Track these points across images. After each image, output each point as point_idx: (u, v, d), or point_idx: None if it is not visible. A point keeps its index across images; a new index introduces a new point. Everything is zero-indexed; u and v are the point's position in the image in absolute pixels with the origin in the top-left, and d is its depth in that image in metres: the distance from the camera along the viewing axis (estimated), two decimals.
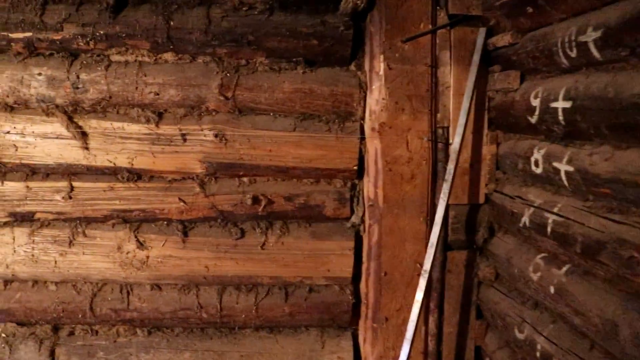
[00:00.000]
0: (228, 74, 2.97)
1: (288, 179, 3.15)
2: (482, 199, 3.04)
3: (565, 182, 2.21)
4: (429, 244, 2.74)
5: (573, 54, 2.06)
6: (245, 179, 3.11)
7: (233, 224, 3.14)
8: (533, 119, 2.40)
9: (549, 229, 2.30)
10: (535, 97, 2.37)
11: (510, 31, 2.62)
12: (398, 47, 2.89)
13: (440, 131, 2.99)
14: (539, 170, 2.43)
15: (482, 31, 2.87)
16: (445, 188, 2.76)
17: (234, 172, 3.09)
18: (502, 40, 2.67)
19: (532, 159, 2.48)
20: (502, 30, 2.72)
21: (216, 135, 2.97)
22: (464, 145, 2.93)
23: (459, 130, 2.78)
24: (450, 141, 2.85)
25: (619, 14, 1.76)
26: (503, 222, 2.87)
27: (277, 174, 3.12)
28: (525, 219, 2.53)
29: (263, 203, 3.07)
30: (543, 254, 2.44)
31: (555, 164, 2.26)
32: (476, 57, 2.85)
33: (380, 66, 2.88)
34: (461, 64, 2.91)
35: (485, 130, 2.99)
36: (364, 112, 3.05)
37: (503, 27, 2.70)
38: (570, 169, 2.14)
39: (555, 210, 2.28)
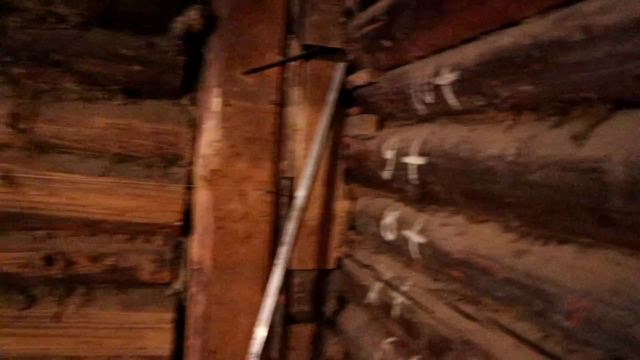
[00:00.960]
0: (24, 101, 2.39)
1: (96, 234, 2.59)
2: (332, 264, 2.67)
3: (416, 255, 1.86)
4: (259, 321, 2.29)
5: (428, 99, 1.74)
6: (39, 233, 2.49)
7: (20, 289, 2.50)
8: (386, 175, 2.07)
9: (395, 312, 1.94)
10: (390, 148, 2.03)
11: (369, 68, 2.29)
12: (239, 80, 2.49)
13: (285, 182, 2.58)
14: (390, 237, 2.09)
15: (340, 66, 2.55)
16: (283, 251, 2.34)
17: (26, 225, 2.47)
18: (360, 78, 2.35)
19: (384, 223, 2.14)
20: (363, 67, 2.39)
21: (3, 178, 2.36)
22: (312, 201, 2.55)
23: (306, 182, 2.40)
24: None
25: (476, 55, 1.45)
26: (353, 294, 2.49)
27: (81, 227, 2.55)
28: (372, 295, 2.17)
29: (60, 264, 2.46)
30: (393, 338, 2.06)
31: (406, 232, 1.92)
32: (332, 97, 2.51)
33: (216, 101, 2.43)
34: (315, 104, 2.56)
35: (340, 183, 2.62)
36: (194, 156, 2.58)
37: (363, 63, 2.37)
38: (422, 240, 1.80)
39: (405, 288, 1.93)
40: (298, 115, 2.63)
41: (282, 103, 2.62)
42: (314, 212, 2.66)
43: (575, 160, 1.13)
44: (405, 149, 1.94)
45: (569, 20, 1.16)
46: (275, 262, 2.41)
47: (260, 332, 2.31)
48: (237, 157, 2.56)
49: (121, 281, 2.66)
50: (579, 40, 1.11)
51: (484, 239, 1.52)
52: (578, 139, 1.13)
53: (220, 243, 2.57)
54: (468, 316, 1.58)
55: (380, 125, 2.38)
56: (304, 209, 2.46)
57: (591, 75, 1.11)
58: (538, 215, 1.30)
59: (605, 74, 1.07)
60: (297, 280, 2.70)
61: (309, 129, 2.60)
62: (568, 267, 1.20)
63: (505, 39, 1.39)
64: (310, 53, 2.61)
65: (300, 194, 2.45)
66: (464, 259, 1.58)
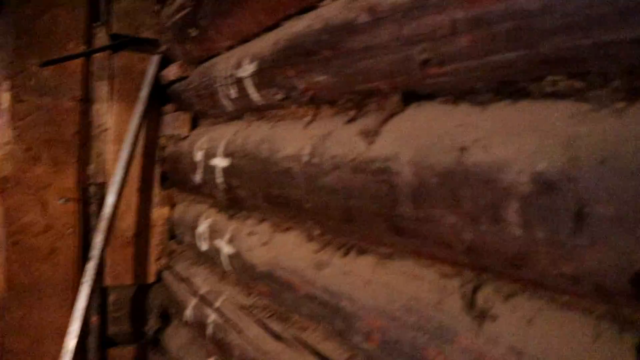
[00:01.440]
0: None
1: None
2: (152, 278, 2.37)
3: (228, 267, 1.64)
4: (65, 349, 1.93)
5: (233, 94, 1.51)
6: None
7: None
8: (197, 179, 1.81)
9: (209, 331, 1.69)
10: (199, 149, 1.78)
11: (180, 61, 2.02)
12: (34, 72, 2.11)
13: (94, 189, 2.23)
14: (205, 247, 1.84)
15: (154, 59, 2.26)
16: (91, 267, 2.01)
17: None
18: (172, 72, 2.08)
19: (198, 231, 1.88)
20: (176, 59, 2.12)
21: None
22: (126, 209, 2.25)
23: (115, 187, 2.08)
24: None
25: (272, 43, 1.26)
26: (174, 311, 2.22)
27: None
28: (189, 312, 1.90)
29: None
30: (213, 358, 1.81)
31: (218, 242, 1.68)
32: (145, 92, 2.21)
33: (5, 97, 2.03)
34: (126, 100, 2.24)
35: (157, 189, 2.32)
36: None
37: (176, 55, 2.10)
38: (231, 251, 1.57)
39: (218, 304, 1.70)
40: (106, 113, 2.30)
41: (87, 99, 2.28)
42: (130, 222, 2.34)
43: (365, 160, 0.96)
44: (213, 150, 1.71)
45: (358, 0, 0.99)
46: (82, 279, 2.07)
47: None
48: (34, 162, 2.18)
49: None
50: (365, 22, 0.95)
51: (287, 250, 1.33)
52: (368, 135, 0.96)
53: (17, 262, 2.18)
54: (276, 335, 1.39)
55: (195, 124, 2.13)
56: (115, 218, 2.14)
57: (379, 62, 0.95)
58: (336, 223, 1.13)
59: (392, 60, 0.92)
60: (112, 298, 2.37)
61: (119, 129, 2.28)
62: (365, 282, 1.04)
63: (300, 25, 1.21)
64: (119, 43, 2.29)
65: (110, 201, 2.14)
66: (268, 272, 1.38)
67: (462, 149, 0.78)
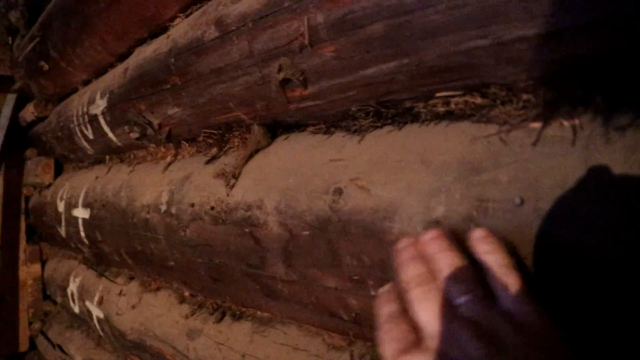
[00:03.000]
0: None
1: None
2: (24, 346, 1.97)
3: (101, 332, 1.33)
4: None
5: (90, 133, 1.23)
6: None
7: None
8: (62, 232, 1.49)
9: None
10: (61, 198, 1.47)
11: (37, 99, 1.70)
12: None
13: None
14: (77, 309, 1.51)
15: (10, 98, 1.91)
16: None
17: None
18: (28, 112, 1.74)
19: (69, 291, 1.56)
20: (33, 98, 1.78)
21: None
22: None
23: None
24: None
25: (121, 72, 1.00)
26: None
27: None
28: None
29: None
30: None
31: (88, 304, 1.37)
32: (0, 136, 1.83)
33: None
34: None
35: (23, 244, 1.95)
36: None
37: (32, 93, 1.77)
38: (101, 314, 1.27)
39: None
40: None
41: None
42: None
43: (226, 209, 0.73)
44: (74, 199, 1.41)
45: (206, 14, 0.77)
46: None
47: None
48: None
49: None
50: (213, 38, 0.72)
51: (157, 314, 1.07)
52: (227, 177, 0.73)
53: None
54: None
55: (59, 170, 1.80)
56: None
57: (233, 86, 0.72)
58: (205, 283, 0.89)
59: (247, 82, 0.70)
60: None
61: None
62: (241, 355, 0.80)
63: (149, 49, 0.97)
64: None
65: None
66: (138, 340, 1.11)
67: (337, 191, 0.57)
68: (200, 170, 0.86)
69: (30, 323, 2.02)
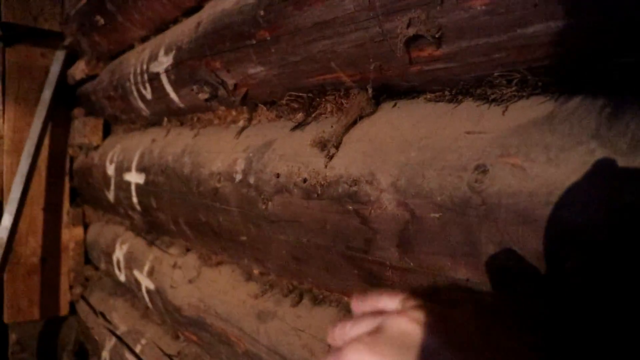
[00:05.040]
0: None
1: None
2: (64, 310, 1.97)
3: (149, 304, 1.29)
4: None
5: (148, 93, 1.17)
6: None
7: None
8: (111, 196, 1.45)
9: None
10: (111, 161, 1.42)
11: (88, 56, 1.65)
12: None
13: None
14: (122, 277, 1.48)
15: (58, 55, 1.87)
16: None
17: None
18: (79, 70, 1.70)
19: (115, 258, 1.53)
20: (84, 55, 1.74)
21: None
22: (30, 230, 1.85)
23: (14, 206, 1.68)
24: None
25: (194, 27, 0.94)
26: (90, 350, 1.84)
27: None
28: (106, 355, 1.53)
29: None
30: None
31: (136, 274, 1.34)
32: (47, 94, 1.82)
33: None
34: (24, 104, 1.84)
35: (66, 206, 1.93)
36: None
37: (83, 50, 1.72)
38: (151, 286, 1.23)
39: (138, 349, 1.36)
40: (0, 118, 1.88)
41: None
42: (34, 245, 1.95)
43: (323, 182, 0.66)
44: (126, 163, 1.36)
45: None
46: None
47: None
48: None
49: None
50: None
51: (220, 290, 1.01)
52: (326, 146, 0.66)
53: None
54: None
55: (107, 131, 1.76)
56: (12, 242, 1.74)
57: (340, 44, 0.64)
58: (283, 263, 0.82)
59: (359, 39, 0.62)
60: (13, 337, 1.96)
61: (17, 137, 1.88)
62: (324, 344, 0.73)
63: (229, 1, 0.88)
64: (11, 35, 1.88)
65: (5, 223, 1.74)
66: (197, 317, 1.06)
67: (480, 169, 0.49)
68: (286, 137, 0.79)
69: (71, 287, 2.01)
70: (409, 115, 0.62)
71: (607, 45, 0.44)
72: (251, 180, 0.82)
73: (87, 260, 2.03)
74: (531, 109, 0.50)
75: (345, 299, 0.77)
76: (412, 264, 0.57)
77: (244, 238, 0.88)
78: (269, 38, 0.77)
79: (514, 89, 0.53)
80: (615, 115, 0.42)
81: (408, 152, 0.57)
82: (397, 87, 0.65)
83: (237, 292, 0.98)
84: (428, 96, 0.63)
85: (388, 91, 0.67)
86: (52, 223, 1.97)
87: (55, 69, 1.90)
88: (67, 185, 1.98)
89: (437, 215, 0.52)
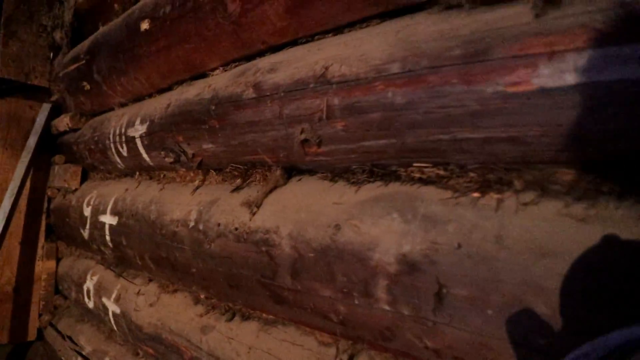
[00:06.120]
0: None
1: None
2: (32, 336, 2.17)
3: (114, 326, 1.54)
4: None
5: (124, 151, 1.46)
6: None
7: None
8: (85, 234, 1.70)
9: None
10: (88, 204, 1.69)
11: (72, 112, 1.93)
12: None
13: None
14: (91, 304, 1.72)
15: (45, 108, 2.14)
16: None
17: None
18: (63, 123, 1.97)
19: (85, 287, 1.77)
20: (68, 110, 2.02)
21: None
22: (5, 262, 2.06)
23: None
24: None
25: (164, 106, 1.24)
26: None
27: None
28: None
29: None
30: None
31: (104, 301, 1.58)
32: (32, 141, 2.08)
33: None
34: (11, 149, 2.09)
35: (42, 241, 2.16)
36: None
37: (68, 106, 2.00)
38: (118, 310, 1.48)
39: None
40: None
41: None
42: (9, 275, 2.16)
43: (248, 231, 0.95)
44: (102, 206, 1.63)
45: (245, 75, 1.00)
46: None
47: None
48: None
49: None
50: (251, 98, 0.96)
51: (174, 312, 1.28)
52: (251, 206, 0.96)
53: None
54: None
55: (85, 177, 2.03)
56: None
57: (263, 137, 0.96)
58: (222, 288, 1.11)
59: (275, 136, 0.93)
60: None
61: (1, 177, 2.12)
62: (248, 348, 1.01)
63: (191, 92, 1.20)
64: (6, 89, 2.15)
65: None
66: (155, 334, 1.32)
67: (337, 227, 0.79)
68: (226, 197, 1.09)
69: (40, 315, 2.22)
70: (304, 188, 0.92)
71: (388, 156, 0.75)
72: (200, 227, 1.11)
73: (57, 291, 2.25)
74: (372, 190, 0.81)
75: (264, 315, 1.05)
76: (299, 286, 0.86)
77: (194, 270, 1.17)
78: (217, 126, 1.07)
79: (365, 176, 0.84)
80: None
81: (299, 213, 0.87)
82: (300, 168, 0.96)
83: (187, 312, 1.25)
84: (319, 175, 0.93)
85: (296, 170, 0.98)
86: (27, 256, 2.19)
87: (41, 120, 2.17)
88: (43, 222, 2.22)
89: (312, 254, 0.82)
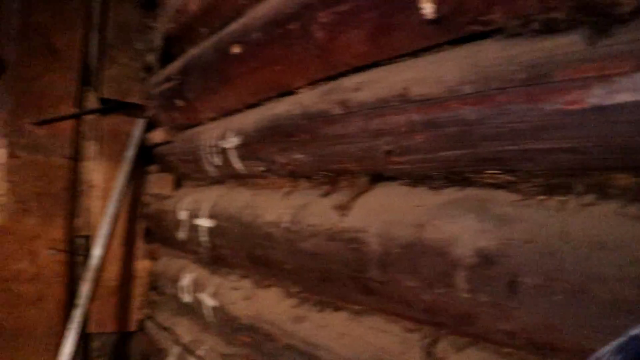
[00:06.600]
0: None
1: None
2: (134, 327, 2.43)
3: (210, 319, 1.73)
4: None
5: (217, 161, 1.65)
6: None
7: None
8: (182, 236, 1.92)
9: None
10: (184, 209, 1.89)
11: (166, 126, 2.15)
12: (28, 130, 2.22)
13: (80, 241, 2.31)
14: (188, 299, 1.93)
15: (140, 123, 2.38)
16: (77, 314, 2.08)
17: None
18: (157, 136, 2.21)
19: (182, 284, 1.97)
20: (161, 124, 2.25)
21: None
22: (111, 260, 2.32)
23: (102, 241, 2.16)
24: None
25: (255, 121, 1.41)
26: (154, 358, 2.26)
27: None
28: (172, 359, 1.96)
29: None
30: None
31: (201, 295, 1.78)
32: (130, 153, 2.31)
33: (1, 153, 2.12)
34: (112, 160, 2.35)
35: (140, 243, 2.41)
36: None
37: (161, 121, 2.23)
38: (215, 303, 1.67)
39: (201, 352, 1.79)
40: (94, 170, 2.40)
41: (76, 158, 2.38)
42: (114, 273, 2.42)
43: (339, 230, 1.10)
44: (197, 211, 1.82)
45: (332, 94, 1.15)
46: (68, 325, 2.12)
47: None
48: (25, 213, 2.26)
49: None
50: (338, 114, 1.10)
51: (268, 304, 1.45)
52: (341, 209, 1.11)
53: (6, 306, 2.22)
54: None
55: (178, 184, 2.25)
56: (100, 269, 2.21)
57: (350, 148, 1.10)
58: (313, 283, 1.26)
59: (361, 147, 1.07)
60: (96, 344, 2.41)
61: (106, 186, 2.38)
62: (339, 334, 1.16)
63: (280, 108, 1.36)
64: (108, 107, 2.41)
65: (96, 253, 2.21)
66: (251, 324, 1.49)
67: (420, 226, 0.92)
68: (317, 201, 1.24)
69: (139, 308, 2.47)
70: (388, 193, 1.06)
71: None
72: (293, 228, 1.26)
73: (152, 288, 2.49)
74: (449, 194, 0.94)
75: (355, 307, 1.19)
76: (386, 279, 1.00)
77: (287, 267, 1.32)
78: (307, 138, 1.23)
79: (442, 182, 0.97)
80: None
81: (386, 214, 1.01)
82: (384, 175, 1.09)
83: (280, 305, 1.41)
84: (401, 182, 1.07)
85: (380, 177, 1.12)
86: (127, 256, 2.44)
87: (136, 134, 2.41)
88: (141, 226, 2.47)
89: (398, 250, 0.96)
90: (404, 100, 0.94)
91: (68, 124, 2.34)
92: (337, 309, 1.23)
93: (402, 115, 0.95)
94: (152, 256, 2.47)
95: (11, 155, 2.22)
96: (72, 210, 2.34)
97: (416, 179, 1.02)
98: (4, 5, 2.26)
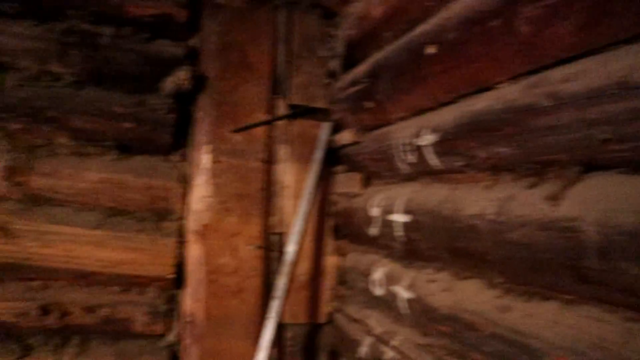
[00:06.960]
0: (20, 155, 2.42)
1: (90, 285, 2.56)
2: (323, 318, 2.65)
3: (405, 310, 1.86)
4: None
5: (411, 159, 1.77)
6: (35, 284, 2.48)
7: (15, 339, 2.47)
8: (373, 232, 2.08)
9: None
10: (376, 206, 2.05)
11: (353, 128, 2.34)
12: (228, 137, 2.53)
13: (275, 238, 2.59)
14: (379, 292, 2.08)
15: (326, 126, 2.60)
16: (275, 305, 2.34)
17: (21, 275, 2.46)
18: (345, 137, 2.40)
19: (373, 278, 2.13)
20: (347, 126, 2.44)
21: None
22: (302, 256, 2.55)
23: (295, 237, 2.40)
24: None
25: (454, 118, 1.50)
26: (344, 348, 2.46)
27: (76, 279, 2.53)
28: (364, 349, 2.15)
29: (56, 314, 2.45)
30: None
31: (394, 288, 1.92)
32: (318, 155, 2.54)
33: (206, 158, 2.47)
34: (302, 162, 2.59)
35: (329, 239, 2.63)
36: (185, 210, 2.58)
37: (348, 123, 2.42)
38: (410, 295, 1.80)
39: (395, 343, 1.92)
40: (286, 172, 2.66)
41: (270, 161, 2.66)
42: (304, 267, 2.66)
43: (551, 220, 1.15)
44: (390, 207, 1.96)
45: (538, 87, 1.21)
46: (267, 315, 2.40)
47: None
48: (227, 213, 2.58)
49: (116, 332, 2.61)
50: (547, 106, 1.15)
51: (469, 295, 1.52)
52: (553, 199, 1.16)
53: (213, 296, 2.56)
54: None
55: (366, 183, 2.42)
56: (294, 264, 2.46)
57: (561, 139, 1.14)
58: (520, 273, 1.32)
59: (573, 137, 1.11)
60: (289, 334, 2.67)
61: (297, 186, 2.63)
62: (551, 323, 1.21)
63: (480, 104, 1.43)
64: (297, 113, 2.67)
65: (290, 249, 2.46)
66: (451, 314, 1.58)
67: None
68: (523, 193, 1.29)
69: (328, 302, 2.68)
70: (605, 182, 1.09)
71: None
72: (499, 219, 1.33)
73: (340, 283, 2.69)
74: None
75: (565, 296, 1.23)
76: (606, 267, 1.03)
77: (490, 258, 1.40)
78: (512, 132, 1.29)
79: None
80: None
81: (605, 202, 1.04)
82: (597, 165, 1.12)
83: (481, 295, 1.49)
84: (616, 170, 1.09)
85: (591, 166, 1.15)
86: (317, 252, 2.66)
87: (323, 137, 2.63)
88: (329, 223, 2.68)
89: (622, 237, 0.99)
90: (624, 88, 0.97)
91: (262, 130, 2.63)
92: (545, 298, 1.27)
93: (622, 103, 0.98)
94: (340, 252, 2.67)
95: (215, 161, 2.55)
96: (267, 209, 2.62)
97: (636, 167, 1.04)
98: (206, 27, 2.61)
